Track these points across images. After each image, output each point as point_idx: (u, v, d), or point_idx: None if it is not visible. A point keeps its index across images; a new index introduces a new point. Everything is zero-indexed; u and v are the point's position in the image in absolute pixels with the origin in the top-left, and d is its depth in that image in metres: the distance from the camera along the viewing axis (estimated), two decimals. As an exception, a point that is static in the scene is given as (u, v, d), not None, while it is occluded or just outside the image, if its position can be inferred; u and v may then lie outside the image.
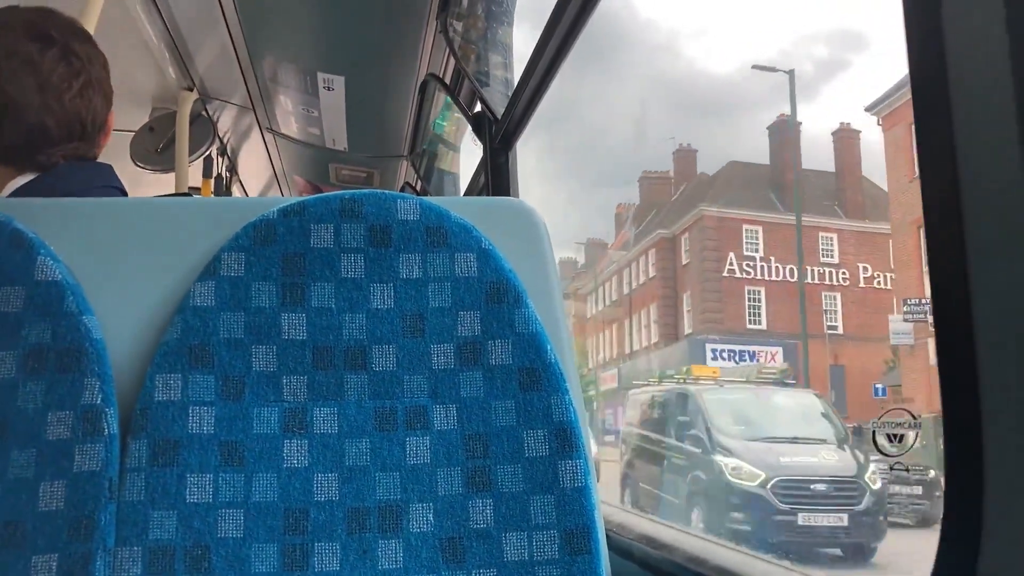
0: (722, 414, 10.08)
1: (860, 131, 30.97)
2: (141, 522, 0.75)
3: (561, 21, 1.60)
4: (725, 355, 26.59)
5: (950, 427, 0.62)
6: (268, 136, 3.37)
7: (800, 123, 31.28)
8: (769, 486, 8.58)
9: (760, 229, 28.76)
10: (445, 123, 3.04)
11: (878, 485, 8.37)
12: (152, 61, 2.61)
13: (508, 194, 2.11)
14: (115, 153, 1.41)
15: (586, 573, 0.77)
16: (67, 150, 1.15)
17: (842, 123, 31.03)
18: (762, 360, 25.50)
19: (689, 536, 1.27)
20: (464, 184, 3.08)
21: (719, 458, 9.24)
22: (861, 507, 8.31)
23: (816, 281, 27.64)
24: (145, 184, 3.10)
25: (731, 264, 28.51)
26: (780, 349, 25.46)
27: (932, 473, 6.93)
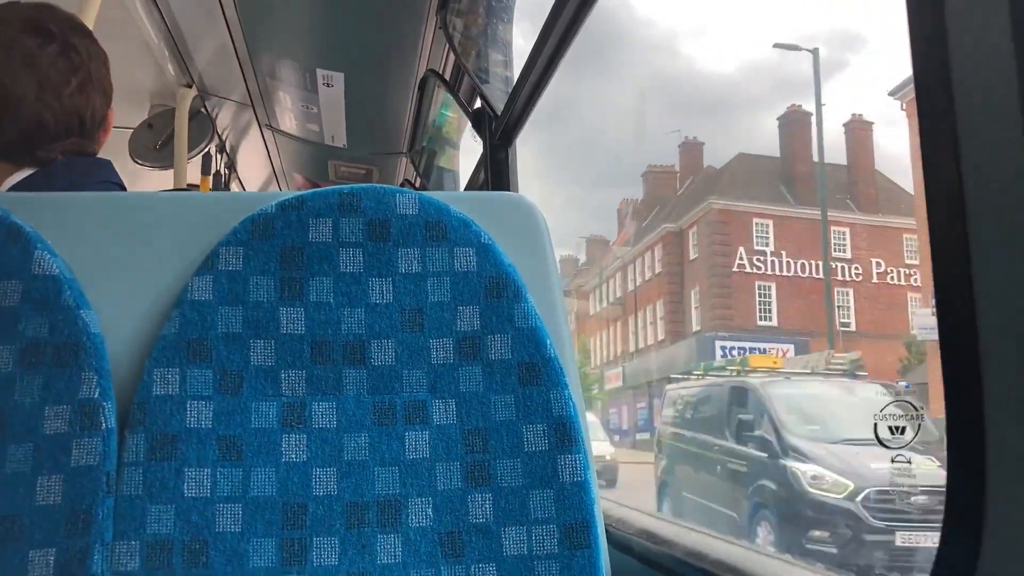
0: (793, 411, 8.37)
1: (872, 123, 30.23)
2: (139, 516, 0.75)
3: (560, 17, 1.60)
4: (735, 353, 25.79)
5: (952, 426, 0.62)
6: (267, 133, 3.36)
7: (811, 114, 30.50)
8: (859, 499, 6.93)
9: (771, 223, 28.13)
10: (445, 119, 3.03)
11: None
12: (151, 58, 2.61)
13: (508, 190, 2.10)
14: (114, 150, 1.41)
15: (585, 568, 0.77)
16: (66, 146, 1.15)
17: (854, 114, 30.37)
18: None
19: (689, 531, 1.27)
20: (464, 181, 3.08)
21: (793, 464, 7.70)
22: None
23: (824, 276, 26.96)
24: (144, 181, 3.10)
25: (741, 259, 27.84)
26: (792, 347, 24.71)
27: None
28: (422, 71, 2.59)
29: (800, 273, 27.41)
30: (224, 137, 3.33)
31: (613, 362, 33.90)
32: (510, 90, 2.06)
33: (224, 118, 3.21)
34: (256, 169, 3.88)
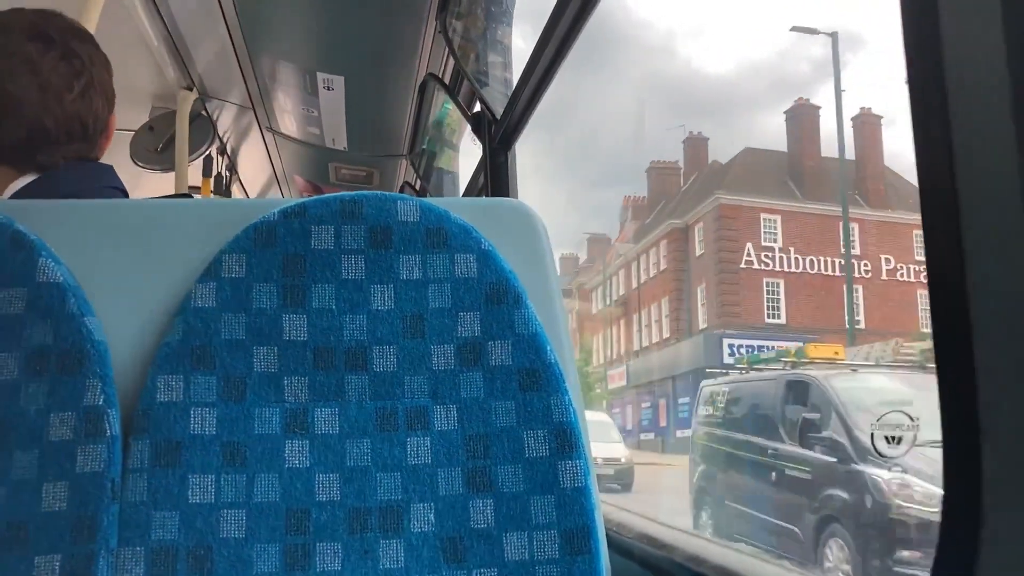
0: (865, 408, 6.99)
1: (881, 116, 29.71)
2: (143, 523, 0.75)
3: (561, 21, 1.60)
4: (743, 351, 25.30)
5: (947, 429, 0.63)
6: (268, 135, 3.37)
7: (820, 107, 30.04)
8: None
9: (778, 218, 27.68)
10: (444, 123, 3.04)
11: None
12: (152, 60, 2.61)
13: (507, 193, 2.11)
14: (115, 152, 1.42)
15: (586, 573, 0.78)
16: (68, 151, 1.15)
17: (863, 108, 29.68)
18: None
19: (689, 536, 1.28)
20: (463, 183, 3.08)
21: (872, 471, 6.53)
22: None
23: (837, 273, 26.66)
24: (145, 183, 3.10)
25: (749, 255, 27.34)
26: (800, 345, 24.21)
27: None
28: (422, 74, 2.60)
29: (809, 269, 26.91)
30: (225, 140, 3.33)
31: (616, 361, 33.40)
32: (510, 93, 2.07)
33: (225, 121, 3.22)
34: (257, 171, 3.88)
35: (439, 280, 0.83)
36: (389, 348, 0.82)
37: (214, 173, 3.28)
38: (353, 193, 0.84)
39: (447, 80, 2.57)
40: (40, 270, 0.78)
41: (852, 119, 29.57)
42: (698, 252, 29.08)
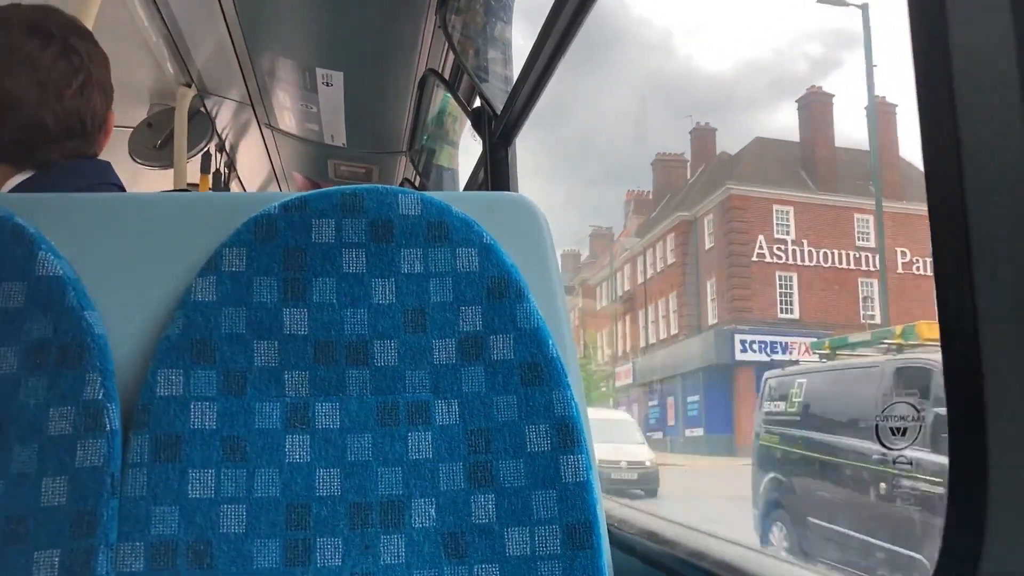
0: None
1: (897, 104, 28.34)
2: (143, 517, 0.75)
3: (561, 16, 1.60)
4: (756, 347, 24.98)
5: (954, 425, 0.62)
6: (267, 132, 3.36)
7: (833, 95, 29.01)
8: None
9: (791, 210, 26.55)
10: (444, 119, 3.03)
11: None
12: (150, 57, 2.61)
13: (508, 189, 2.10)
14: (113, 149, 1.41)
15: (587, 568, 0.77)
16: (66, 148, 1.15)
17: (877, 96, 27.74)
18: (795, 354, 23.52)
19: (689, 531, 1.27)
20: (463, 179, 3.08)
21: None
22: None
23: (852, 267, 25.85)
24: (143, 181, 3.10)
25: (761, 248, 26.25)
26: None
27: None
28: (421, 70, 2.59)
29: (823, 263, 26.09)
30: (224, 136, 3.33)
31: (622, 358, 32.63)
32: (509, 89, 2.06)
33: (223, 117, 3.21)
34: (256, 168, 3.88)
35: (440, 274, 0.82)
36: (390, 342, 0.81)
37: (212, 170, 3.27)
38: (354, 186, 0.84)
39: (447, 76, 2.56)
40: (40, 263, 0.78)
41: (866, 108, 28.99)
42: (707, 245, 28.09)
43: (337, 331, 0.81)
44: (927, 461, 5.43)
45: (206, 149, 3.14)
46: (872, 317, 24.51)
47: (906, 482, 5.73)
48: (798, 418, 7.44)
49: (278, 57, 2.67)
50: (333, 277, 0.82)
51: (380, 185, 0.85)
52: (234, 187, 3.76)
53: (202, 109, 3.01)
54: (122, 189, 1.20)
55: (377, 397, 0.81)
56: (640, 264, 32.26)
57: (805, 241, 26.26)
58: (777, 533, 7.34)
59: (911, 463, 5.61)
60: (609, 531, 0.85)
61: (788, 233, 26.48)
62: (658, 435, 27.33)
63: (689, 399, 26.08)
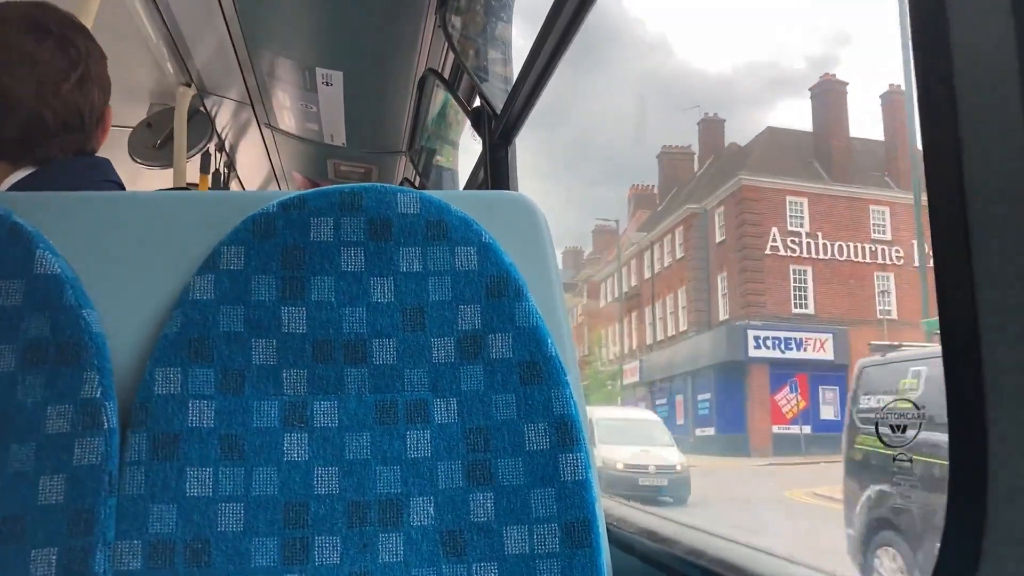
0: None
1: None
2: (141, 516, 0.75)
3: (561, 15, 1.60)
4: (769, 343, 23.78)
5: (954, 426, 0.62)
6: (266, 132, 3.36)
7: (847, 83, 27.47)
8: None
9: (805, 201, 25.33)
10: (444, 118, 3.03)
11: None
12: (150, 57, 2.60)
13: (508, 189, 2.10)
14: (113, 149, 1.41)
15: (586, 566, 0.77)
16: (64, 143, 1.15)
17: (891, 85, 27.18)
18: (810, 350, 22.94)
19: (688, 530, 1.27)
20: (463, 180, 3.08)
21: None
22: None
23: (868, 260, 24.80)
24: (143, 180, 3.10)
25: (774, 240, 25.02)
26: (830, 336, 23.04)
27: None
28: (421, 70, 2.59)
29: (838, 256, 24.94)
30: (223, 136, 3.33)
31: (628, 356, 31.54)
32: (509, 89, 2.06)
33: (223, 117, 3.21)
34: (255, 168, 3.88)
35: (439, 272, 0.82)
36: (389, 341, 0.81)
37: (212, 170, 3.27)
38: (353, 185, 0.84)
39: (447, 75, 2.56)
40: (38, 262, 0.78)
41: (880, 96, 27.56)
42: (718, 239, 26.75)
43: (335, 329, 0.81)
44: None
45: (206, 149, 3.14)
46: (888, 312, 23.87)
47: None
48: (918, 417, 5.58)
49: (278, 57, 2.67)
50: (331, 275, 0.81)
51: (379, 184, 0.85)
52: (234, 187, 3.76)
53: (202, 109, 3.01)
54: (122, 187, 1.20)
55: (376, 396, 0.80)
56: (647, 259, 31.17)
57: (819, 234, 25.15)
58: (888, 561, 5.97)
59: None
60: (608, 529, 0.85)
61: (802, 225, 25.35)
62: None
63: (700, 397, 25.28)
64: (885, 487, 5.89)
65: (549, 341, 0.82)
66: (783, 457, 19.52)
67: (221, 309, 0.80)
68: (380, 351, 0.81)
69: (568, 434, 0.80)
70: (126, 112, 2.86)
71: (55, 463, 0.74)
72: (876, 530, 5.95)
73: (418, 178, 3.36)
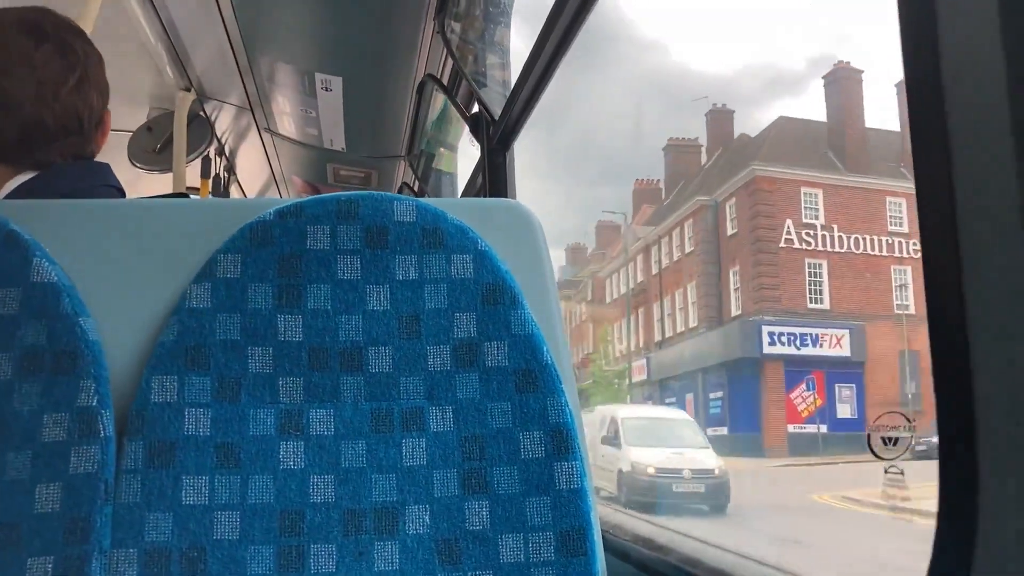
0: None
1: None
2: (137, 524, 0.75)
3: (559, 21, 1.60)
4: (785, 339, 22.69)
5: (944, 426, 0.62)
6: (266, 136, 3.37)
7: (862, 71, 26.24)
8: None
9: (820, 192, 24.18)
10: (443, 124, 3.04)
11: None
12: (150, 61, 2.61)
13: (506, 194, 2.11)
14: (112, 153, 1.42)
15: (582, 575, 0.77)
16: (64, 146, 1.15)
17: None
18: (826, 346, 22.05)
19: (684, 538, 1.27)
20: (462, 184, 3.08)
21: None
22: None
23: (884, 253, 23.79)
24: (144, 184, 3.10)
25: (789, 233, 23.90)
26: (847, 332, 22.01)
27: None
28: (420, 75, 2.60)
29: (854, 249, 23.81)
30: (223, 141, 3.33)
31: (635, 354, 30.27)
32: (508, 94, 2.07)
33: (223, 122, 3.22)
34: (255, 173, 3.88)
35: (435, 280, 0.83)
36: (385, 349, 0.81)
37: (212, 174, 3.28)
38: (349, 193, 0.84)
39: (445, 81, 2.57)
40: (34, 270, 0.78)
41: (896, 85, 25.55)
42: (730, 232, 25.63)
43: (332, 337, 0.81)
44: None
45: (206, 153, 3.14)
46: (906, 307, 22.94)
47: None
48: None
49: (277, 62, 2.68)
50: (328, 283, 0.82)
51: (375, 192, 0.85)
52: (234, 191, 3.77)
53: (201, 113, 3.01)
54: (121, 191, 1.20)
55: (371, 403, 0.81)
56: (655, 254, 30.06)
57: (835, 226, 23.96)
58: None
59: None
60: (604, 537, 0.85)
61: (817, 217, 24.15)
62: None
63: (711, 396, 24.35)
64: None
65: (545, 349, 0.82)
66: (800, 457, 18.74)
67: (217, 317, 0.80)
68: (376, 359, 0.81)
69: (563, 442, 0.80)
70: (126, 116, 2.86)
71: (51, 471, 0.74)
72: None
73: (417, 183, 3.37)
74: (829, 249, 23.95)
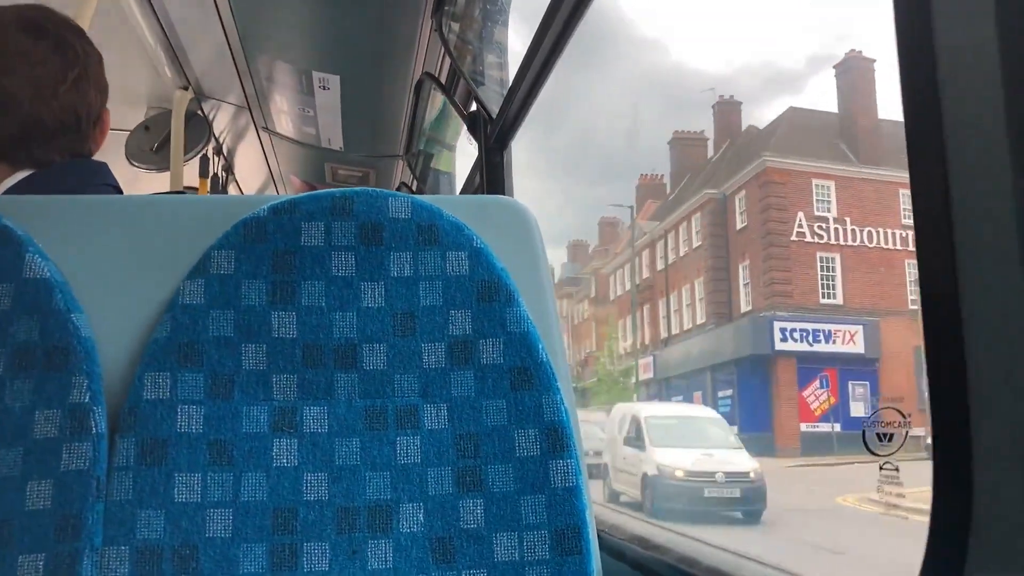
0: None
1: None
2: (129, 521, 0.74)
3: (555, 19, 1.60)
4: (797, 336, 22.22)
5: (938, 424, 0.62)
6: (264, 135, 3.36)
7: (875, 60, 25.57)
8: None
9: (832, 184, 23.76)
10: (441, 123, 3.03)
11: None
12: (147, 60, 2.61)
13: (503, 193, 2.10)
14: (110, 152, 1.42)
15: (576, 573, 0.77)
16: (62, 144, 1.15)
17: None
18: (839, 343, 21.52)
19: (680, 537, 1.27)
20: (460, 183, 3.08)
21: None
22: None
23: (899, 246, 23.20)
24: (142, 184, 3.10)
25: (800, 226, 23.52)
26: (860, 328, 21.61)
27: None
28: (418, 74, 2.59)
29: (867, 242, 23.41)
30: (221, 140, 3.33)
31: (640, 352, 29.84)
32: (505, 92, 2.07)
33: (221, 121, 3.21)
34: (253, 172, 3.88)
35: (430, 278, 0.82)
36: (379, 346, 0.81)
37: (210, 173, 3.27)
38: (344, 189, 0.84)
39: (443, 79, 2.57)
40: (27, 266, 0.78)
41: None
42: (739, 225, 25.23)
43: (326, 334, 0.81)
44: None
45: (204, 152, 3.14)
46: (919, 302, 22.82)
47: None
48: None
49: (275, 60, 2.67)
50: (322, 280, 0.81)
51: (370, 188, 0.85)
52: (232, 190, 3.77)
53: (199, 112, 3.01)
54: (119, 190, 1.20)
55: (365, 401, 0.80)
56: (660, 249, 29.52)
57: (848, 219, 23.54)
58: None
59: None
60: (599, 536, 0.85)
61: (829, 210, 23.73)
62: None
63: (720, 394, 23.64)
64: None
65: (540, 347, 0.82)
66: (814, 457, 18.13)
67: (211, 314, 0.80)
68: (370, 356, 0.81)
69: (559, 440, 0.80)
70: (123, 115, 2.86)
71: (43, 468, 0.74)
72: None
73: (415, 182, 3.36)
74: (842, 242, 23.44)
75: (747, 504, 11.49)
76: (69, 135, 1.16)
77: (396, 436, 0.80)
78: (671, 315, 28.25)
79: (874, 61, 25.81)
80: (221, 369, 0.79)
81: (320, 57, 2.61)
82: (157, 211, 0.86)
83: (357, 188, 0.84)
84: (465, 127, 2.39)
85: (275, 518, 0.77)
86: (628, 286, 31.73)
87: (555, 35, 1.65)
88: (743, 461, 12.38)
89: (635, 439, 13.80)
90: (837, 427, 19.56)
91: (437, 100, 2.86)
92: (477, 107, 2.21)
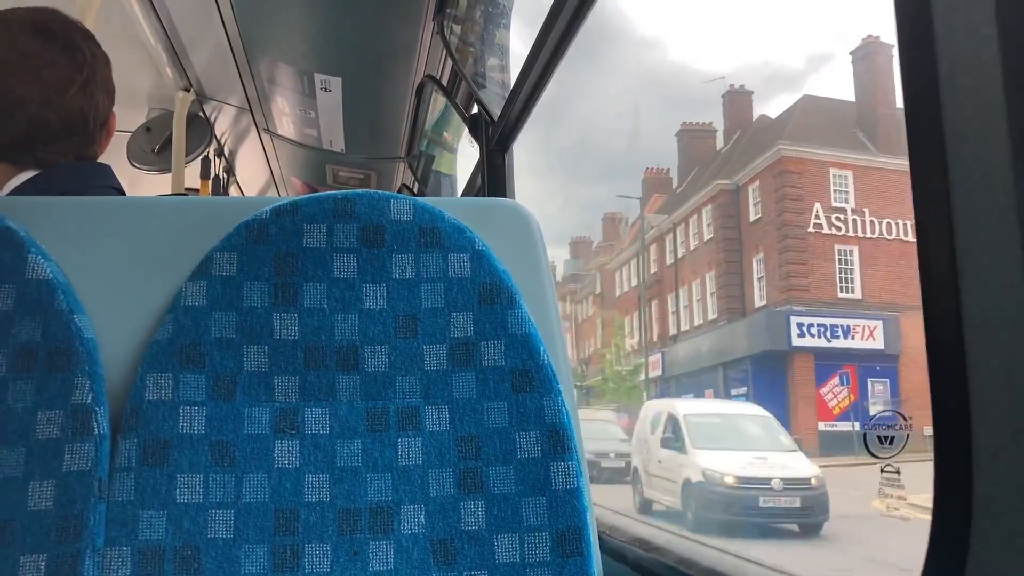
0: None
1: None
2: (130, 522, 0.74)
3: (557, 22, 1.60)
4: (814, 331, 21.19)
5: (939, 427, 0.62)
6: (265, 137, 3.37)
7: (893, 46, 25.67)
8: None
9: (850, 174, 22.67)
10: (442, 125, 3.04)
11: None
12: (149, 61, 2.61)
13: (505, 195, 2.11)
14: (111, 153, 1.42)
15: (577, 575, 0.77)
16: (67, 147, 1.15)
17: None
18: (857, 338, 20.53)
19: (681, 539, 1.27)
20: (461, 186, 3.08)
21: None
22: None
23: (914, 239, 22.85)
24: (143, 185, 3.10)
25: (817, 217, 22.46)
26: (880, 323, 20.60)
27: None
28: (419, 76, 2.60)
29: (886, 234, 22.36)
30: (222, 141, 3.33)
31: (648, 348, 28.72)
32: (507, 95, 2.07)
33: (222, 122, 3.22)
34: (255, 173, 3.88)
35: (432, 280, 0.82)
36: (381, 348, 0.81)
37: (212, 175, 3.28)
38: (346, 191, 0.84)
39: (445, 82, 2.57)
40: (29, 267, 0.78)
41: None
42: (752, 217, 24.14)
43: (327, 336, 0.81)
44: None
45: (205, 154, 3.14)
46: None
47: None
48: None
49: (277, 62, 2.68)
50: (324, 282, 0.81)
51: (372, 190, 0.85)
52: (233, 192, 3.77)
53: (201, 114, 3.01)
54: (121, 192, 1.20)
55: (367, 403, 0.80)
56: (668, 243, 28.57)
57: (866, 210, 22.43)
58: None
59: None
60: (600, 538, 0.85)
61: (847, 201, 22.58)
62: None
63: (734, 391, 22.55)
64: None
65: (542, 349, 0.82)
66: (833, 457, 16.84)
67: (213, 315, 0.80)
68: (372, 358, 0.81)
69: (560, 442, 0.80)
70: (125, 116, 2.85)
71: (45, 469, 0.74)
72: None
73: (416, 184, 3.36)
74: (860, 235, 22.51)
75: (809, 515, 10.14)
76: (75, 137, 1.16)
77: (397, 437, 0.80)
78: (680, 311, 27.39)
79: (892, 47, 24.49)
80: (223, 370, 0.79)
81: (322, 59, 2.61)
82: (159, 213, 0.86)
83: (359, 190, 0.84)
84: (466, 129, 2.40)
85: (277, 519, 0.77)
86: (635, 281, 30.85)
87: (557, 37, 1.65)
88: (801, 465, 10.97)
89: (673, 440, 12.25)
90: (856, 426, 18.74)
91: (438, 102, 2.86)
92: (479, 109, 2.21)
